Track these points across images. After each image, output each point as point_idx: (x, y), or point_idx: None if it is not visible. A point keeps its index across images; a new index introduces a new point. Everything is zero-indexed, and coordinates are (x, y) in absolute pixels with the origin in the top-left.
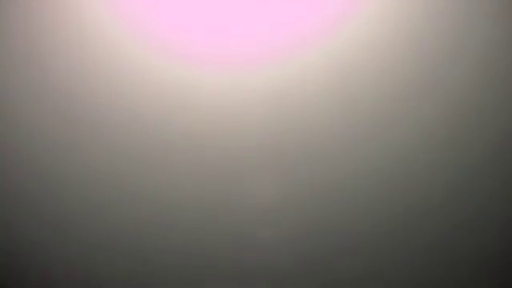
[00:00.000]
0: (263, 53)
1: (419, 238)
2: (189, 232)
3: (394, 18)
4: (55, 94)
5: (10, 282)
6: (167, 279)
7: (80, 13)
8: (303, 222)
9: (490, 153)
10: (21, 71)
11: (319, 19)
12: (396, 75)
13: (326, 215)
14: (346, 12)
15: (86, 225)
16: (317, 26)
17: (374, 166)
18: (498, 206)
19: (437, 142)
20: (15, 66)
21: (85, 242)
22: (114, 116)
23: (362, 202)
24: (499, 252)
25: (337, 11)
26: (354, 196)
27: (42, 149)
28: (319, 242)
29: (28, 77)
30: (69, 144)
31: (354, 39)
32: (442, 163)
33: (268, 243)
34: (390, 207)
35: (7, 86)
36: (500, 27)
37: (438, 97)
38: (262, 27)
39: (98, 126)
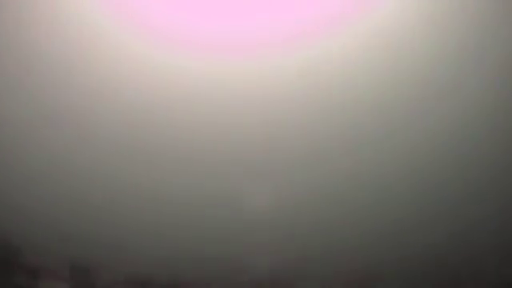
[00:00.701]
0: (264, 46)
1: (427, 242)
2: (186, 228)
3: (414, 16)
4: (35, 89)
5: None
6: (165, 274)
7: (63, 3)
8: (300, 224)
9: None
10: None
11: (331, 13)
12: (415, 75)
13: (325, 218)
14: (361, 8)
15: (80, 223)
16: (327, 21)
17: (381, 169)
18: None
19: (457, 143)
20: None
21: (84, 237)
22: (99, 110)
23: (363, 205)
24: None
25: (352, 7)
26: (354, 200)
27: (20, 144)
28: (317, 243)
29: (4, 71)
30: (50, 141)
31: (367, 36)
32: (463, 164)
33: (265, 242)
34: (394, 210)
35: None
36: None
37: (462, 97)
38: (264, 22)
39: (83, 122)
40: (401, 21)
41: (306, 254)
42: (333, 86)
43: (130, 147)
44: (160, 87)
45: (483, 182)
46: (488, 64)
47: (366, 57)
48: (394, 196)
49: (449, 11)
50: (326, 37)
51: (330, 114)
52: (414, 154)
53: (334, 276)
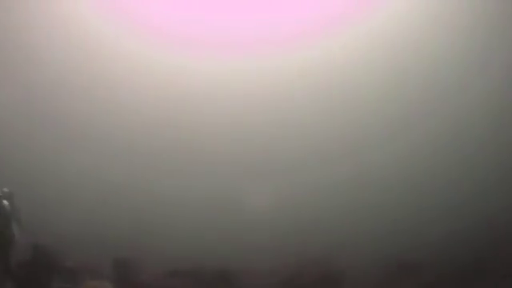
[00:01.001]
0: (264, 46)
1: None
2: (188, 229)
3: (419, 16)
4: (24, 90)
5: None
6: (167, 272)
7: (59, 3)
8: (300, 224)
9: None
10: None
11: (332, 13)
12: (419, 76)
13: (326, 218)
14: (364, 8)
15: (83, 227)
16: (328, 21)
17: (383, 170)
18: None
19: (462, 145)
20: None
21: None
22: (92, 111)
23: (364, 206)
24: None
25: (354, 6)
26: (356, 200)
27: (13, 143)
28: (317, 244)
29: None
30: (44, 144)
31: (369, 36)
32: (468, 166)
33: (264, 243)
34: (396, 210)
35: None
36: None
37: (467, 98)
38: (264, 21)
39: (75, 123)
40: (405, 21)
41: (306, 255)
42: (334, 87)
43: (127, 149)
44: (156, 86)
45: (488, 184)
46: (495, 65)
47: (369, 57)
48: (395, 197)
49: (455, 11)
50: (328, 37)
51: (330, 114)
52: (417, 156)
53: (334, 274)
